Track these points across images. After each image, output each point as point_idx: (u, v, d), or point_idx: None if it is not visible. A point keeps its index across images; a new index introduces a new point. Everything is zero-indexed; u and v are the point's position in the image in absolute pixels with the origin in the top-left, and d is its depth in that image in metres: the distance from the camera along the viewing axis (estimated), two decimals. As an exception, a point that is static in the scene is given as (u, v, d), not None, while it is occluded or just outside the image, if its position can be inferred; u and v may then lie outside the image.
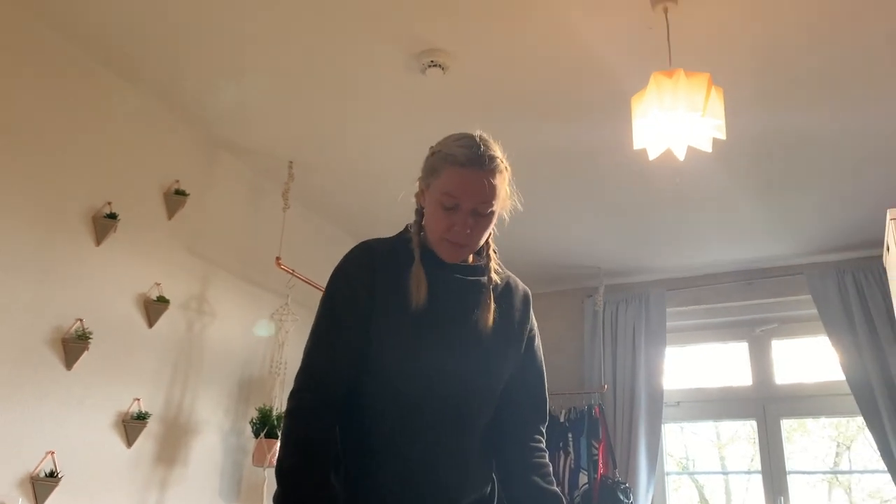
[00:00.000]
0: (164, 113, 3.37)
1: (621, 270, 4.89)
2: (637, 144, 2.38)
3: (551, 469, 1.65)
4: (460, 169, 1.48)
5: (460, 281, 1.56)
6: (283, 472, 1.39)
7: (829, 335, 4.24)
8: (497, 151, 1.52)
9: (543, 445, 1.66)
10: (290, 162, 3.75)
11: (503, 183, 1.53)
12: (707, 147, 2.38)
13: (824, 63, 2.83)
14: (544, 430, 1.68)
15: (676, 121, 2.31)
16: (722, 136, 2.34)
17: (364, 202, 4.10)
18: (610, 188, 3.86)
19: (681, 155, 2.40)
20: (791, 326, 4.73)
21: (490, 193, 1.49)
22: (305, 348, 1.52)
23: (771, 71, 2.89)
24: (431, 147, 1.58)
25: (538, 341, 1.69)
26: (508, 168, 1.55)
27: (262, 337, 3.80)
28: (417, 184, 1.59)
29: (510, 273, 1.71)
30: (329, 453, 1.45)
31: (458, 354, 1.50)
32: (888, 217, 3.26)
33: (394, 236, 1.63)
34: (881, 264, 4.08)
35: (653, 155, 2.42)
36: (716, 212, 4.05)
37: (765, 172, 3.63)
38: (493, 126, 3.35)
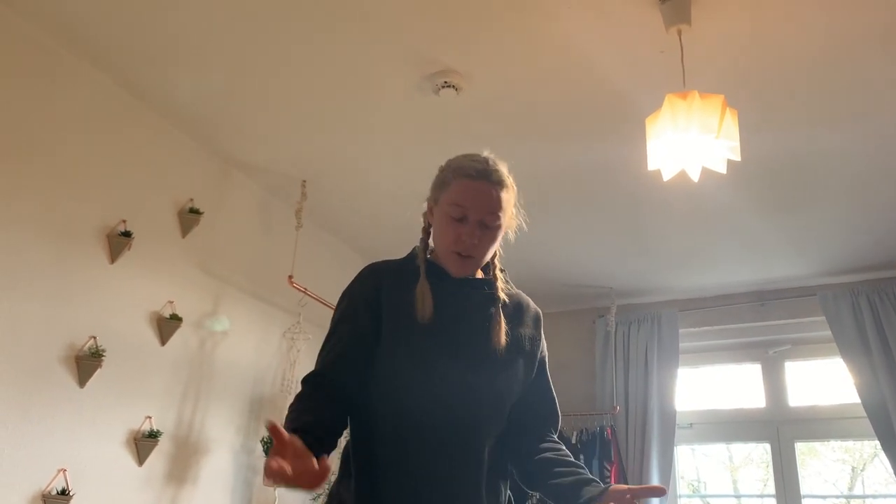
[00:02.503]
0: (178, 132, 3.39)
1: (633, 291, 4.87)
2: (651, 165, 2.38)
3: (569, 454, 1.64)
4: (469, 181, 1.53)
5: (468, 294, 1.59)
6: (287, 414, 1.44)
7: (844, 357, 4.20)
8: (504, 170, 1.58)
9: (562, 446, 1.65)
10: (304, 181, 3.77)
11: (510, 199, 1.58)
12: (722, 168, 2.37)
13: (839, 84, 2.83)
14: (556, 434, 1.68)
15: (690, 142, 2.31)
16: (736, 157, 2.34)
17: (376, 221, 4.11)
18: (623, 209, 3.86)
19: (695, 176, 2.40)
20: (804, 348, 4.69)
21: (497, 205, 1.54)
22: (320, 350, 1.58)
23: (784, 92, 2.89)
24: (440, 166, 1.63)
25: (547, 357, 1.71)
26: (515, 188, 1.60)
27: (273, 355, 3.80)
28: (426, 203, 1.65)
29: (520, 292, 1.73)
30: (334, 421, 1.44)
31: (465, 368, 1.50)
32: (904, 239, 3.24)
33: (402, 258, 1.67)
34: (896, 286, 4.06)
35: (667, 176, 2.42)
36: (729, 232, 4.04)
37: (779, 193, 3.62)
38: (506, 146, 3.39)
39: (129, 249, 3.01)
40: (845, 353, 4.20)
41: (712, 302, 4.78)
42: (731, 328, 4.72)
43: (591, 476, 1.53)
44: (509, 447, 1.60)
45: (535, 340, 1.66)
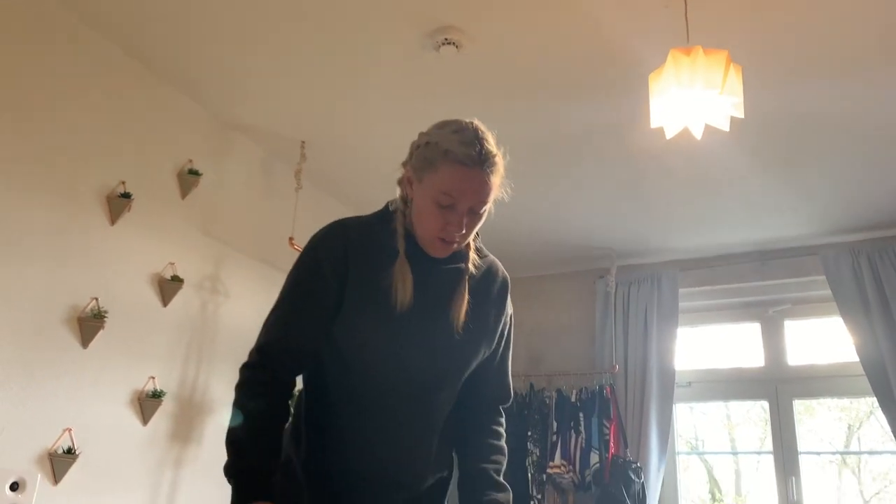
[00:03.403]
0: (176, 93, 3.36)
1: (634, 251, 4.88)
2: (654, 123, 2.36)
3: (505, 450, 1.65)
4: (461, 168, 1.42)
5: (438, 270, 1.53)
6: (230, 442, 1.41)
7: (843, 316, 4.22)
8: (494, 145, 1.47)
9: (502, 426, 1.67)
10: (303, 142, 3.74)
11: (498, 179, 1.48)
12: (725, 126, 2.35)
13: (843, 41, 2.80)
14: (503, 410, 1.69)
15: (694, 99, 2.29)
16: (740, 114, 2.32)
17: (376, 182, 4.09)
18: (624, 168, 3.84)
19: (698, 134, 2.38)
20: (804, 307, 4.71)
21: (487, 194, 1.46)
22: (265, 322, 1.52)
23: (789, 48, 2.85)
24: (422, 134, 1.50)
25: (511, 326, 1.67)
26: (503, 159, 1.50)
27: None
28: (403, 170, 1.53)
29: (490, 256, 1.66)
30: (276, 426, 1.45)
31: (427, 344, 1.49)
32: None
33: (374, 215, 1.58)
34: (897, 245, 4.06)
35: (670, 134, 2.40)
36: (731, 192, 4.02)
37: (781, 151, 3.60)
38: (506, 105, 3.36)
39: (128, 211, 3.00)
40: (845, 311, 4.21)
41: (713, 262, 4.79)
42: (732, 288, 4.74)
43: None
44: (457, 416, 1.62)
45: (500, 314, 1.61)
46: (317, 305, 1.47)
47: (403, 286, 1.46)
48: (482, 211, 1.47)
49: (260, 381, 1.46)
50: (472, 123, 1.47)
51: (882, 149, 3.52)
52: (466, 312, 1.51)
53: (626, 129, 3.44)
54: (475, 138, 1.44)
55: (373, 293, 1.46)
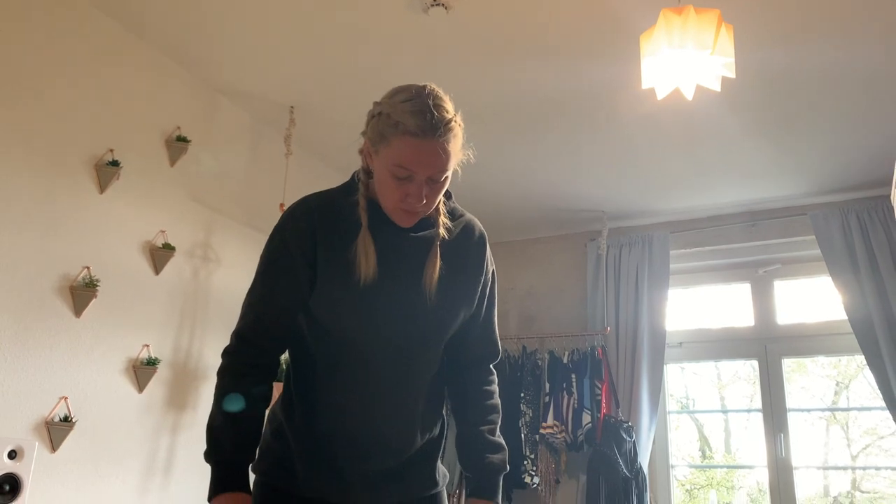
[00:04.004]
0: (162, 58, 3.32)
1: (625, 213, 4.89)
2: (646, 84, 2.35)
3: (499, 407, 1.67)
4: (412, 140, 1.37)
5: (407, 238, 1.51)
6: (210, 429, 1.45)
7: (832, 275, 4.25)
8: (449, 111, 1.41)
9: (493, 384, 1.69)
10: (291, 107, 3.71)
11: (457, 144, 1.43)
12: (716, 86, 2.34)
13: (833, 0, 2.78)
14: (493, 367, 1.70)
15: (685, 59, 2.27)
16: (731, 74, 2.31)
17: (366, 147, 4.06)
18: (615, 130, 3.83)
19: (689, 94, 2.37)
20: (794, 267, 4.74)
21: (445, 162, 1.40)
22: (242, 306, 1.54)
23: (780, 7, 2.83)
24: (376, 103, 1.47)
25: (493, 283, 1.66)
26: (461, 124, 1.44)
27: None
28: (363, 141, 1.49)
29: (467, 215, 1.64)
30: (253, 414, 1.47)
31: (403, 313, 1.49)
32: (896, 155, 3.24)
33: (340, 188, 1.57)
34: (886, 204, 4.08)
35: (661, 94, 2.39)
36: (721, 153, 4.02)
37: (772, 111, 3.60)
38: (495, 67, 3.33)
39: (117, 179, 2.98)
40: (834, 271, 4.25)
41: (704, 223, 4.80)
42: (722, 249, 4.76)
43: (487, 467, 1.59)
44: (447, 378, 1.64)
45: (478, 273, 1.60)
46: (289, 286, 1.48)
47: (366, 259, 1.45)
48: (442, 179, 1.43)
49: (239, 366, 1.49)
50: (424, 89, 1.42)
51: (871, 107, 3.52)
52: (441, 277, 1.50)
53: (618, 91, 3.43)
54: (427, 106, 1.38)
55: (342, 267, 1.46)
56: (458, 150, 1.43)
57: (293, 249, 1.48)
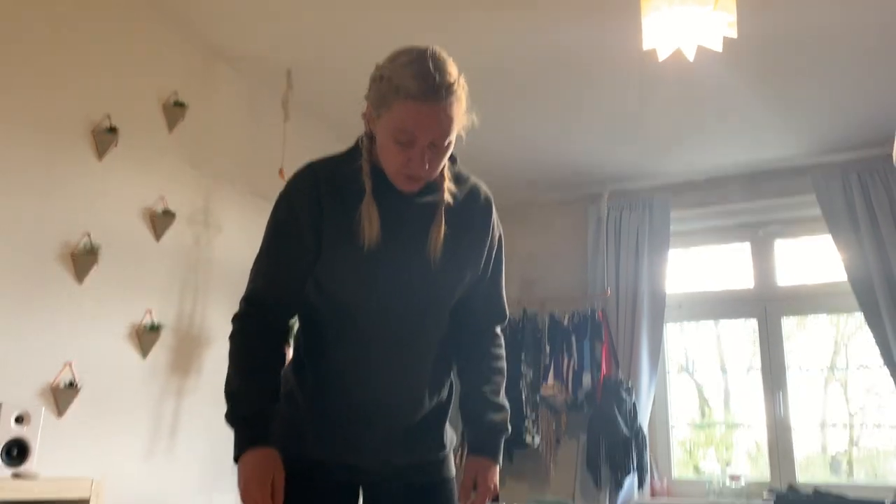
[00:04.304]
0: (157, 22, 3.28)
1: (626, 176, 4.87)
2: (647, 44, 2.33)
3: (504, 370, 1.69)
4: (414, 104, 1.35)
5: (412, 203, 1.51)
6: (229, 391, 1.46)
7: (833, 234, 4.25)
8: (452, 74, 1.39)
9: (500, 347, 1.70)
10: (289, 70, 3.68)
11: (461, 108, 1.41)
12: (718, 46, 2.32)
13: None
14: (500, 331, 1.71)
15: (686, 16, 2.25)
16: (733, 33, 2.29)
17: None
18: (616, 92, 3.79)
19: (690, 55, 2.35)
20: (794, 227, 4.74)
21: (448, 126, 1.39)
22: (250, 272, 1.54)
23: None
24: (378, 66, 1.45)
25: (500, 246, 1.66)
26: (465, 86, 1.42)
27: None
28: (365, 105, 1.48)
29: (472, 179, 1.63)
30: (269, 374, 1.48)
31: (408, 278, 1.49)
32: (899, 114, 3.22)
33: (344, 153, 1.56)
34: (888, 163, 4.06)
35: (662, 55, 2.37)
36: (722, 113, 4.00)
37: (773, 71, 3.56)
38: (492, 27, 3.29)
39: (115, 146, 2.97)
40: (834, 230, 4.25)
41: (705, 185, 4.78)
42: (723, 210, 4.75)
43: (488, 427, 1.62)
44: (454, 341, 1.64)
45: (484, 237, 1.59)
46: (295, 252, 1.49)
47: (370, 225, 1.45)
48: (445, 144, 1.42)
49: (251, 330, 1.50)
50: (427, 51, 1.39)
51: (873, 65, 3.48)
52: (446, 242, 1.50)
53: (619, 52, 3.39)
54: (429, 69, 1.36)
55: (346, 233, 1.46)
56: (461, 114, 1.42)
57: (299, 215, 1.48)
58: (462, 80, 1.41)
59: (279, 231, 1.52)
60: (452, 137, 1.43)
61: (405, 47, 1.43)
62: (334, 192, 1.48)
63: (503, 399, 1.66)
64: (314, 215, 1.47)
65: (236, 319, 1.51)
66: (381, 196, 1.47)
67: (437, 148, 1.41)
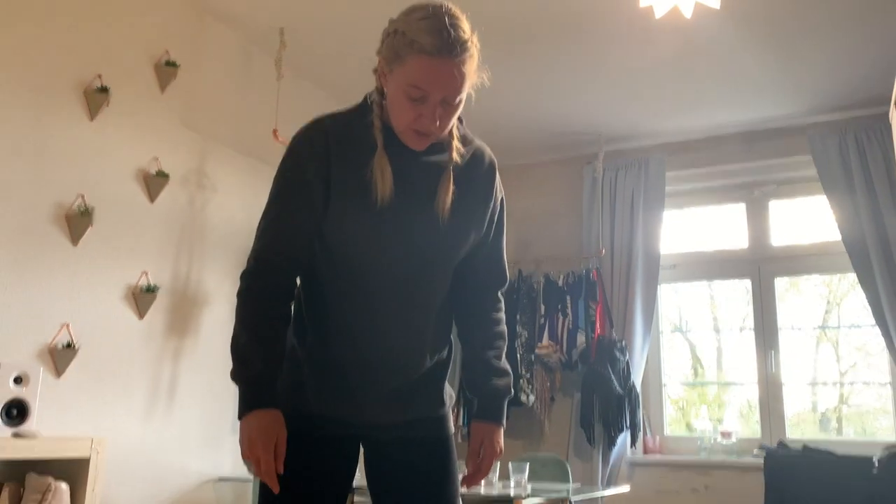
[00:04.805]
0: (147, -22, 3.22)
1: (622, 136, 4.85)
2: (644, 1, 2.30)
3: (505, 334, 1.70)
4: (428, 59, 1.35)
5: (420, 161, 1.51)
6: (235, 348, 1.45)
7: (828, 195, 4.26)
8: (466, 30, 1.39)
9: (500, 311, 1.71)
10: (281, 28, 3.63)
11: (472, 65, 1.41)
12: (715, 3, 2.29)
13: None
14: (501, 294, 1.72)
15: (684, -25, 2.22)
16: (731, -10, 2.26)
17: (360, 68, 3.98)
18: (612, 50, 3.76)
19: (688, 12, 2.32)
20: (789, 187, 4.74)
21: (461, 83, 1.39)
22: (257, 229, 1.52)
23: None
24: (392, 21, 1.43)
25: (502, 210, 1.67)
26: (478, 45, 1.42)
27: (261, 210, 3.80)
28: (378, 60, 1.46)
29: (477, 141, 1.63)
30: (276, 332, 1.48)
31: (416, 235, 1.50)
32: (897, 73, 3.19)
33: (352, 110, 1.55)
34: (884, 123, 4.05)
35: (659, 13, 2.34)
36: (719, 72, 3.97)
37: (771, 28, 3.53)
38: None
39: (107, 105, 2.94)
40: (830, 191, 4.25)
41: (701, 144, 4.77)
42: (718, 170, 4.75)
43: (492, 391, 1.64)
44: (455, 303, 1.65)
45: (487, 199, 1.60)
46: (304, 206, 1.48)
47: (383, 180, 1.45)
48: (456, 101, 1.42)
49: (258, 287, 1.48)
50: (441, 7, 1.39)
51: (871, 23, 3.45)
52: (452, 202, 1.51)
53: (615, 9, 3.35)
54: (444, 25, 1.36)
55: (356, 188, 1.46)
56: (472, 71, 1.42)
57: (308, 170, 1.47)
58: (475, 38, 1.41)
59: (287, 185, 1.49)
60: (464, 95, 1.43)
61: (419, 3, 1.42)
62: (344, 146, 1.48)
63: (505, 363, 1.68)
64: (322, 167, 1.46)
65: (244, 276, 1.50)
66: (391, 152, 1.48)
67: (449, 104, 1.42)
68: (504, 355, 1.69)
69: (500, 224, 1.67)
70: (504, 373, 1.66)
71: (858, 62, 3.82)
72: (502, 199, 1.67)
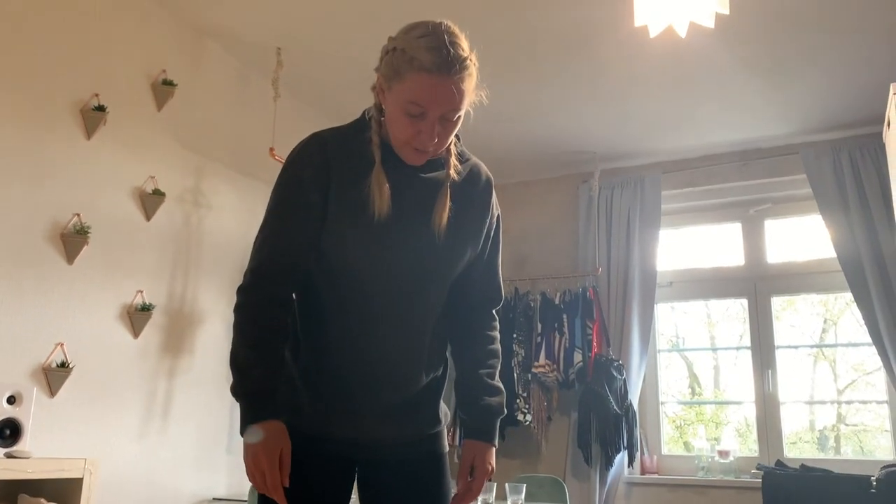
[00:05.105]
0: (145, -2, 3.24)
1: (617, 154, 4.87)
2: (638, 21, 2.32)
3: (499, 353, 1.70)
4: (427, 76, 1.37)
5: (418, 178, 1.52)
6: (234, 363, 1.44)
7: (823, 214, 4.27)
8: (465, 48, 1.41)
9: (495, 329, 1.71)
10: (278, 48, 3.65)
11: (471, 83, 1.42)
12: (710, 23, 2.31)
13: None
14: (496, 312, 1.72)
15: (679, -6, 2.24)
16: (725, 10, 2.28)
17: (356, 87, 4.01)
18: (608, 69, 3.78)
19: (682, 32, 2.34)
20: (784, 206, 4.76)
21: (459, 100, 1.40)
22: (254, 243, 1.52)
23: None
24: (391, 38, 1.45)
25: (498, 227, 1.67)
26: (476, 63, 1.43)
27: (258, 228, 3.80)
28: (376, 77, 1.48)
29: (474, 158, 1.65)
30: (275, 346, 1.47)
31: (413, 251, 1.50)
32: (891, 92, 3.21)
33: (350, 125, 1.56)
34: (878, 142, 4.07)
35: (654, 32, 2.36)
36: (714, 92, 3.99)
37: (765, 49, 3.56)
38: (485, 5, 3.26)
39: (104, 124, 2.95)
40: (824, 209, 4.27)
41: (696, 163, 4.79)
42: (714, 189, 4.76)
43: (484, 410, 1.62)
44: (450, 320, 1.65)
45: (484, 216, 1.61)
46: (303, 220, 1.48)
47: (380, 195, 1.45)
48: (455, 118, 1.43)
49: (256, 302, 1.48)
50: (441, 25, 1.40)
51: (863, 44, 3.48)
52: (449, 218, 1.52)
53: (610, 29, 3.37)
54: (443, 42, 1.37)
55: (354, 203, 1.46)
56: (471, 89, 1.43)
57: (307, 183, 1.47)
58: (474, 56, 1.43)
59: (285, 199, 1.49)
60: (462, 112, 1.44)
61: (418, 21, 1.44)
62: (343, 160, 1.48)
63: (499, 381, 1.67)
64: (321, 180, 1.46)
65: (241, 291, 1.49)
66: (389, 168, 1.48)
67: (447, 122, 1.43)
68: (498, 374, 1.68)
69: (495, 241, 1.67)
70: (497, 391, 1.65)
71: (852, 82, 3.85)
72: (498, 217, 1.67)
